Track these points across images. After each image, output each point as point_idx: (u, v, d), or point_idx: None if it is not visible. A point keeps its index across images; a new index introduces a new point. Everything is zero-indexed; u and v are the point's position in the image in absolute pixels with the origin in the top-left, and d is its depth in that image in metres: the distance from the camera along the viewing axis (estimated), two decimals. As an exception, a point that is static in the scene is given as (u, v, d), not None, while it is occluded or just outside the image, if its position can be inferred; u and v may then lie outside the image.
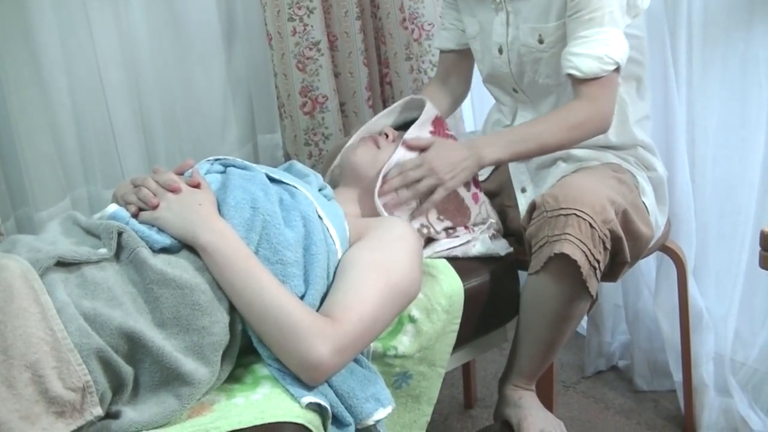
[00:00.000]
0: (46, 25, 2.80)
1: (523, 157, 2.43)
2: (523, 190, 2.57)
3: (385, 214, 2.23)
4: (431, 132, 2.37)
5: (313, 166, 3.16)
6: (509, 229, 2.57)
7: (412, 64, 3.33)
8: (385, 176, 2.27)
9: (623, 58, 2.33)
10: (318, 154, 3.26)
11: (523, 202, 2.55)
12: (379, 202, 2.23)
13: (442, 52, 2.85)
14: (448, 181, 2.26)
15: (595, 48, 2.30)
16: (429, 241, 2.32)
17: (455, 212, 2.35)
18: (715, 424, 2.91)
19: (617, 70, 2.33)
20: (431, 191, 2.26)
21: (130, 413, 1.66)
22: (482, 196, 2.45)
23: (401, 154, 2.30)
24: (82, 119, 2.98)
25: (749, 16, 2.67)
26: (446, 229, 2.33)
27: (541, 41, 2.45)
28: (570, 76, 2.35)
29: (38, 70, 2.79)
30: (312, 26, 3.15)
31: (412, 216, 2.28)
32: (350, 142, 2.45)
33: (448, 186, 2.26)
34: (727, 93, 2.77)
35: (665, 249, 2.75)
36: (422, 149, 2.31)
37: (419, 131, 2.35)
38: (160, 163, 2.98)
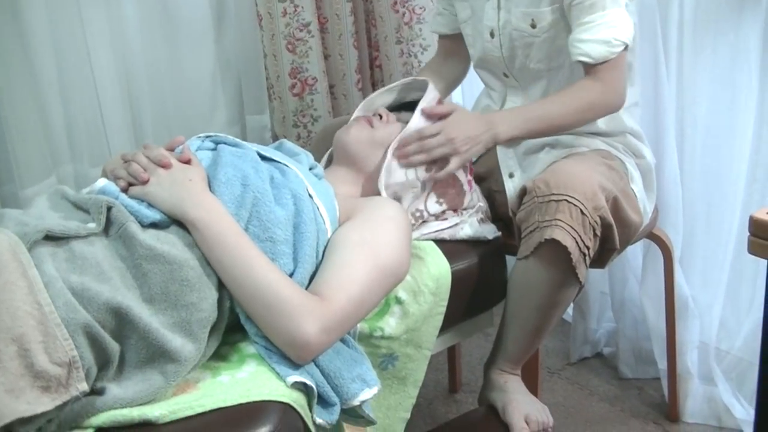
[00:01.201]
0: (35, 4, 2.78)
1: (537, 136, 2.42)
2: (511, 176, 2.57)
3: (384, 193, 2.22)
4: None
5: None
6: (496, 214, 2.56)
7: (402, 47, 3.33)
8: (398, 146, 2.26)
9: (630, 37, 2.33)
10: (306, 136, 3.25)
11: (510, 188, 2.55)
12: (383, 182, 2.23)
13: (440, 36, 2.85)
14: (464, 153, 2.25)
15: (602, 32, 2.29)
16: (416, 219, 2.31)
17: (455, 195, 2.35)
18: (698, 412, 2.92)
19: (625, 48, 2.33)
20: (444, 160, 2.25)
21: (115, 389, 1.65)
22: (473, 183, 2.44)
23: (417, 122, 2.29)
24: (70, 97, 2.97)
25: (740, 5, 2.66)
26: (438, 213, 2.32)
27: (533, 26, 2.44)
28: (580, 62, 2.34)
29: (26, 47, 2.78)
30: (302, 7, 3.14)
31: (414, 198, 2.27)
32: (351, 118, 2.43)
33: (463, 157, 2.26)
34: (717, 81, 2.77)
35: (652, 236, 2.75)
36: (441, 117, 2.30)
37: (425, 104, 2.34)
38: (148, 142, 2.97)
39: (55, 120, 2.94)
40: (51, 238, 1.69)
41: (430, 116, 2.30)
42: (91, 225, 1.75)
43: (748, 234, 1.71)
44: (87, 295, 1.62)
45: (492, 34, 2.54)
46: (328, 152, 2.46)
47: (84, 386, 1.59)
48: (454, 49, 2.81)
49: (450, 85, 2.87)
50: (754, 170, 2.72)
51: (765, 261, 1.74)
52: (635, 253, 3.10)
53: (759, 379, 1.88)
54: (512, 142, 2.43)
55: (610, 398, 3.09)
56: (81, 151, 3.03)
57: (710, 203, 2.89)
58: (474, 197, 2.42)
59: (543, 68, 2.51)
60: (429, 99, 2.34)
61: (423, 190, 2.28)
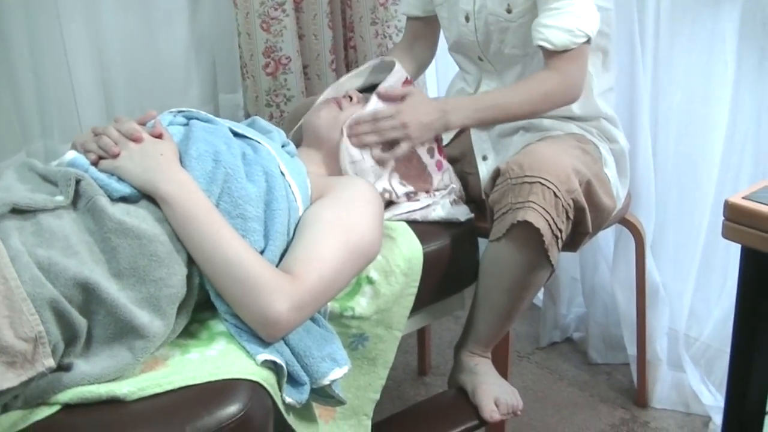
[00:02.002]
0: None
1: (490, 123, 2.44)
2: (485, 158, 2.56)
3: (350, 173, 2.21)
4: None
5: (274, 128, 3.14)
6: (469, 196, 2.56)
7: (377, 28, 3.31)
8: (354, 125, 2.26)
9: (594, 30, 2.33)
10: (279, 116, 3.23)
11: (484, 170, 2.54)
12: (346, 162, 2.22)
13: (409, 18, 2.83)
14: (416, 138, 2.26)
15: (566, 20, 2.29)
16: (389, 204, 2.30)
17: (417, 178, 2.34)
18: (667, 398, 2.94)
19: (588, 41, 2.33)
20: (395, 143, 2.25)
21: (83, 366, 1.63)
22: (446, 164, 2.44)
23: (374, 104, 2.28)
24: (41, 72, 2.93)
25: (717, -7, 2.67)
26: (408, 194, 2.31)
27: (509, 11, 2.43)
28: (540, 47, 2.34)
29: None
30: (278, -14, 3.12)
31: (376, 178, 2.26)
32: (318, 101, 2.42)
33: (414, 143, 2.27)
34: (693, 68, 2.77)
35: (624, 222, 2.76)
36: (397, 99, 2.29)
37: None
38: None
39: (26, 95, 2.91)
40: (18, 211, 1.66)
41: (387, 99, 2.30)
42: (59, 198, 1.72)
43: (722, 218, 1.71)
44: (54, 269, 1.60)
45: (467, 18, 2.53)
46: (293, 131, 2.45)
47: (50, 362, 1.57)
48: (423, 32, 2.80)
49: (419, 68, 2.86)
50: (727, 158, 2.73)
51: (738, 246, 1.74)
52: (607, 238, 3.10)
53: (730, 365, 1.88)
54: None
55: (579, 383, 3.10)
56: (52, 127, 3.00)
57: (683, 190, 2.90)
58: (447, 178, 2.41)
59: (518, 53, 2.51)
60: (393, 81, 2.34)
61: (383, 169, 2.27)
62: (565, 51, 2.32)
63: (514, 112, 2.37)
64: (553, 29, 2.30)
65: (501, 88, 2.46)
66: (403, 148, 2.26)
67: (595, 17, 2.33)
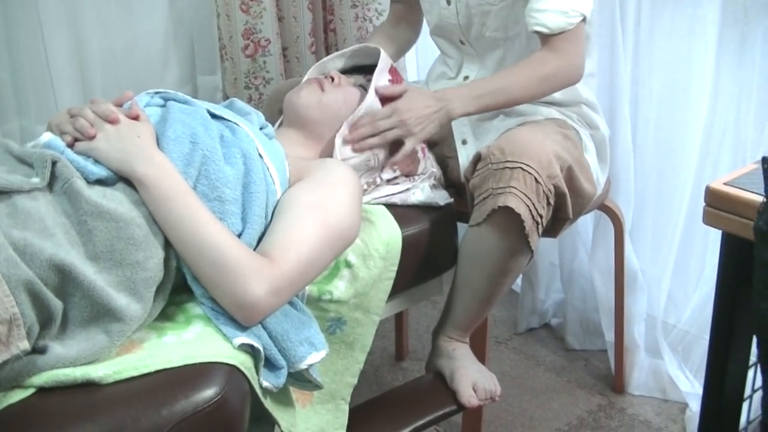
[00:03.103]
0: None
1: (492, 110, 2.39)
2: (464, 142, 2.55)
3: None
4: (390, 81, 2.34)
5: (253, 110, 3.12)
6: (448, 180, 2.55)
7: (357, 11, 3.31)
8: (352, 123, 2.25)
9: (589, 9, 2.31)
10: (258, 98, 3.22)
11: (463, 154, 2.53)
12: (339, 151, 2.21)
13: (392, 1, 2.82)
14: (419, 133, 2.24)
15: (559, 2, 2.28)
16: (368, 185, 2.29)
17: (410, 162, 2.34)
18: (644, 384, 2.95)
19: (584, 20, 2.32)
20: (398, 141, 2.24)
21: (58, 348, 1.62)
22: (427, 150, 2.42)
23: (371, 102, 2.27)
24: (16, 51, 2.91)
25: (699, -22, 2.67)
26: (391, 179, 2.31)
27: (490, -6, 2.42)
28: (536, 32, 2.32)
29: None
30: (257, -32, 3.11)
31: (369, 170, 2.25)
32: (303, 81, 2.41)
33: (419, 138, 2.25)
34: (674, 55, 2.78)
35: (604, 208, 2.76)
36: (394, 98, 2.27)
37: (378, 81, 2.32)
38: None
39: (0, 74, 2.88)
40: (-8, 192, 1.65)
41: (384, 97, 2.29)
42: (35, 180, 1.71)
43: (703, 205, 1.71)
44: (29, 251, 1.58)
45: (449, 2, 2.52)
46: (282, 117, 2.43)
47: (25, 344, 1.55)
48: (406, 15, 2.79)
49: (400, 50, 2.84)
50: (707, 144, 2.74)
51: (718, 233, 1.74)
52: (586, 224, 3.11)
53: (708, 352, 1.89)
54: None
55: (556, 369, 3.11)
56: (28, 107, 2.98)
57: (662, 177, 2.91)
58: (427, 164, 2.40)
59: (499, 37, 2.49)
60: (380, 71, 2.32)
61: (378, 161, 2.26)
62: (561, 33, 2.30)
63: (515, 95, 2.34)
64: (548, 13, 2.28)
65: (501, 72, 2.42)
66: (408, 145, 2.24)
67: None
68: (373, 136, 2.23)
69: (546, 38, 2.32)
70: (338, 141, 2.21)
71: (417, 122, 2.24)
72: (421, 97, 2.28)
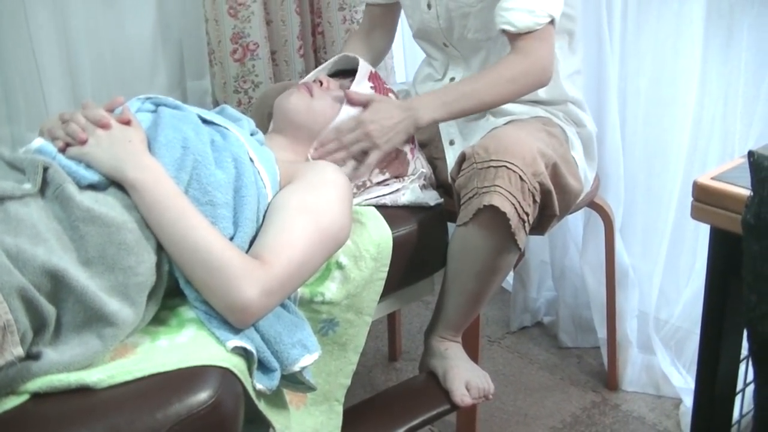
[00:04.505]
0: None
1: (462, 115, 2.39)
2: (452, 143, 2.56)
3: None
4: (372, 88, 2.35)
5: (242, 114, 3.13)
6: (438, 181, 2.55)
7: (344, 14, 3.31)
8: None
9: (557, 11, 2.32)
10: (247, 102, 3.23)
11: (451, 155, 2.53)
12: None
13: (368, 5, 2.82)
14: (383, 144, 2.24)
15: (527, 2, 2.28)
16: (358, 188, 2.30)
17: (398, 165, 2.35)
18: (637, 380, 2.96)
19: (552, 22, 2.32)
20: (364, 153, 2.25)
21: (51, 354, 1.62)
22: (417, 151, 2.43)
23: (346, 111, 2.28)
24: (7, 58, 2.91)
25: (685, -26, 2.68)
26: (381, 181, 2.32)
27: (468, -4, 2.43)
28: (504, 31, 2.33)
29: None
30: (245, -28, 3.11)
31: (354, 176, 2.27)
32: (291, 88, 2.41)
33: (383, 149, 2.25)
34: (661, 51, 2.79)
35: (593, 205, 2.76)
36: (362, 105, 2.28)
37: (358, 89, 2.33)
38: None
39: (-9, 82, 2.89)
40: (-16, 199, 1.65)
41: (354, 103, 2.29)
42: (27, 185, 1.71)
43: (691, 199, 1.72)
44: (22, 257, 1.58)
45: (429, 5, 2.53)
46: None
47: (19, 351, 1.55)
48: (382, 21, 2.80)
49: (376, 57, 2.84)
50: (695, 140, 2.74)
51: (707, 227, 1.75)
52: (576, 222, 3.11)
53: (699, 346, 1.89)
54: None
55: (549, 366, 3.11)
56: (18, 114, 2.98)
57: (651, 173, 2.91)
58: (417, 164, 2.41)
59: (481, 38, 2.50)
60: (359, 79, 2.34)
61: (360, 179, 2.29)
62: (528, 32, 2.30)
63: (483, 99, 2.34)
64: (514, 11, 2.29)
65: (468, 77, 2.44)
66: (373, 157, 2.25)
67: None
68: (339, 149, 2.24)
69: (514, 38, 2.33)
70: (310, 157, 2.24)
71: (381, 134, 2.24)
72: (386, 108, 2.29)
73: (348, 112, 2.28)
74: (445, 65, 2.66)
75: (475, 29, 2.48)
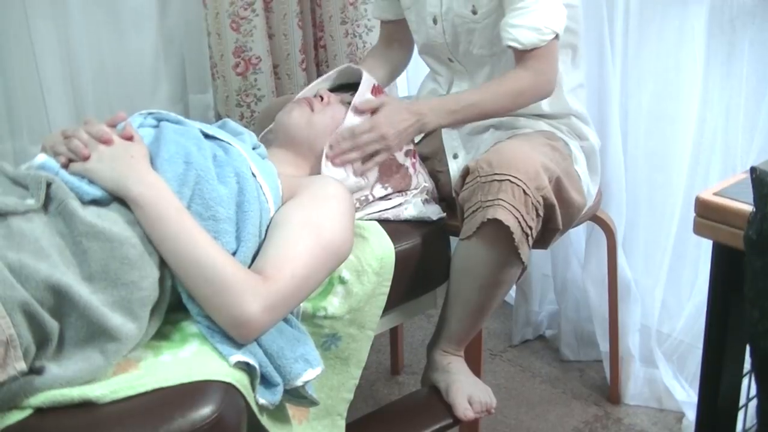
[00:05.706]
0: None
1: (464, 123, 2.45)
2: (455, 156, 2.56)
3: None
4: None
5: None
6: (440, 194, 2.56)
7: (347, 28, 3.32)
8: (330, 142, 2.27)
9: (561, 27, 2.34)
10: (250, 116, 3.23)
11: (454, 168, 2.55)
12: (327, 169, 2.23)
13: (382, 22, 2.83)
14: (395, 147, 2.30)
15: (533, 19, 2.30)
16: (361, 202, 2.30)
17: (400, 180, 2.36)
18: (639, 394, 2.96)
19: (556, 37, 2.34)
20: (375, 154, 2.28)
21: (54, 369, 1.62)
22: (419, 165, 2.44)
23: (351, 119, 2.29)
24: (9, 73, 2.91)
25: (686, -11, 2.68)
26: (384, 196, 2.33)
27: (474, 12, 2.44)
28: (510, 47, 2.34)
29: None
30: (247, -14, 3.11)
31: (359, 190, 2.29)
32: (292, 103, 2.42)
33: (392, 150, 2.30)
34: (662, 65, 2.79)
35: (596, 219, 2.76)
36: (372, 111, 2.31)
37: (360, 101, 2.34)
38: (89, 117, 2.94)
39: (-7, 96, 2.89)
40: (-13, 214, 1.65)
41: (362, 111, 2.31)
42: (30, 201, 1.72)
43: (693, 215, 1.72)
44: (25, 272, 1.59)
45: (435, 21, 2.54)
46: (260, 137, 2.44)
47: (22, 365, 1.56)
48: (397, 35, 2.80)
49: (394, 70, 2.86)
50: (697, 154, 2.74)
51: (709, 242, 1.75)
52: (578, 235, 3.11)
53: (702, 360, 1.89)
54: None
55: (551, 380, 3.11)
56: (21, 128, 2.98)
57: (653, 187, 2.91)
58: (419, 178, 2.42)
59: (486, 54, 2.51)
60: (363, 91, 2.34)
61: (367, 181, 2.29)
62: (534, 49, 2.32)
63: (487, 110, 2.38)
64: (521, 28, 2.31)
65: (474, 88, 2.46)
66: (382, 156, 2.28)
67: (561, 13, 2.34)
68: (353, 150, 2.26)
69: (520, 54, 2.35)
70: (323, 160, 2.25)
71: (395, 136, 2.28)
72: (399, 111, 2.32)
73: (351, 121, 2.29)
74: (449, 80, 2.66)
75: (480, 45, 2.49)
